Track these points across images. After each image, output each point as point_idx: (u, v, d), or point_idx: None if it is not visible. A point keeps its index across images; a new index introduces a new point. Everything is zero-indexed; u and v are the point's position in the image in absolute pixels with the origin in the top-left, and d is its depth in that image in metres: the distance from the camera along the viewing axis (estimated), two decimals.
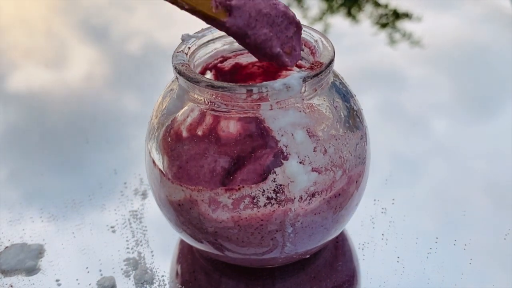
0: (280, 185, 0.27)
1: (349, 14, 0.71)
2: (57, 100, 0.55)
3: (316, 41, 0.31)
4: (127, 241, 0.36)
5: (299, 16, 0.29)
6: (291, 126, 0.27)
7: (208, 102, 0.28)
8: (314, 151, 0.28)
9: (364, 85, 0.53)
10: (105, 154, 0.46)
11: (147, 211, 0.39)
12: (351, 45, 0.62)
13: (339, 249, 0.35)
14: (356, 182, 0.30)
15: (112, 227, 0.37)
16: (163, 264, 0.35)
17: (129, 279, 0.34)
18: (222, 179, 0.28)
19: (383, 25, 0.67)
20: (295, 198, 0.28)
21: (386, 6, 0.72)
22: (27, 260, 0.35)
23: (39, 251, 0.36)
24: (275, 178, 0.27)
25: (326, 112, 0.29)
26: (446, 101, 0.52)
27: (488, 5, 0.71)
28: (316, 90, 0.28)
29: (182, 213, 0.30)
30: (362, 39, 0.65)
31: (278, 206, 0.28)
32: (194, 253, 0.35)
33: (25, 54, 0.64)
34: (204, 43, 0.32)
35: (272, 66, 0.34)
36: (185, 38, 0.31)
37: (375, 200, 0.39)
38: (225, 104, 0.27)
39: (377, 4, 0.73)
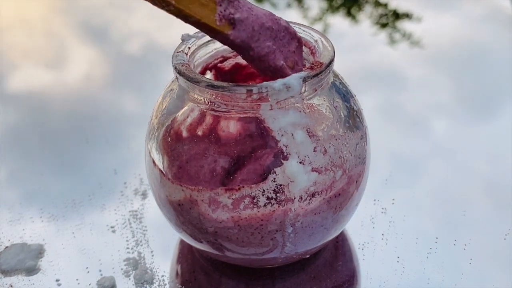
0: (280, 185, 0.27)
1: (349, 14, 0.71)
2: (57, 100, 0.55)
3: (316, 41, 0.31)
4: (127, 241, 0.36)
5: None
6: (291, 126, 0.27)
7: (208, 102, 0.28)
8: (314, 151, 0.28)
9: (364, 85, 0.53)
10: (105, 154, 0.46)
11: (147, 211, 0.39)
12: (351, 45, 0.62)
13: (339, 249, 0.35)
14: (356, 182, 0.30)
15: (112, 227, 0.37)
16: (163, 264, 0.35)
17: (129, 279, 0.34)
18: (222, 179, 0.28)
19: (383, 25, 0.67)
20: (295, 198, 0.28)
21: (386, 6, 0.72)
22: (27, 260, 0.35)
23: (39, 251, 0.36)
24: (275, 178, 0.27)
25: (326, 112, 0.29)
26: (446, 101, 0.52)
27: (488, 5, 0.71)
28: (316, 90, 0.28)
29: (182, 213, 0.30)
30: (362, 39, 0.65)
31: (278, 206, 0.28)
32: (194, 253, 0.35)
33: (25, 54, 0.64)
34: (204, 43, 0.32)
35: None
36: (185, 38, 0.31)
37: (375, 200, 0.39)
38: (225, 104, 0.27)
39: (377, 4, 0.73)
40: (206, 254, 0.34)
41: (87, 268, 0.34)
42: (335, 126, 0.29)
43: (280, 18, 0.29)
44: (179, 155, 0.29)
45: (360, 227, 0.37)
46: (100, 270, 0.34)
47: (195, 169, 0.28)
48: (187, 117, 0.29)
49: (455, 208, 0.38)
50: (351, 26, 0.68)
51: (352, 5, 0.73)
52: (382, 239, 0.36)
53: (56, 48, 0.66)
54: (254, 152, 0.28)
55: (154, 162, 0.30)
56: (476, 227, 0.37)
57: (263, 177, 0.27)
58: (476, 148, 0.45)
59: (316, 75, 0.27)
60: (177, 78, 0.29)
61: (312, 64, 0.28)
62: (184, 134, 0.29)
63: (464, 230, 0.37)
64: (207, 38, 0.32)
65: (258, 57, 0.28)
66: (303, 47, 0.31)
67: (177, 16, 0.25)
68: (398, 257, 0.34)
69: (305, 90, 0.27)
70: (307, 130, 0.28)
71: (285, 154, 0.27)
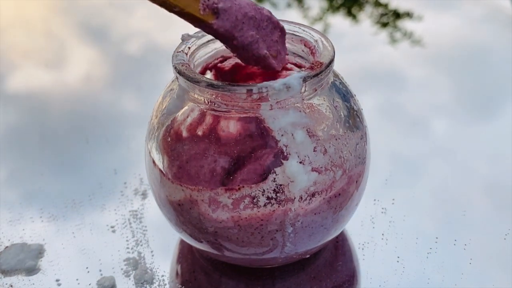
0: (280, 185, 0.27)
1: (350, 13, 0.71)
2: (57, 100, 0.55)
3: (316, 41, 0.31)
4: (127, 241, 0.36)
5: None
6: (291, 126, 0.27)
7: (208, 102, 0.28)
8: (314, 151, 0.28)
9: (364, 85, 0.53)
10: (105, 154, 0.46)
11: (147, 211, 0.39)
12: (351, 45, 0.62)
13: (339, 249, 0.35)
14: (356, 182, 0.30)
15: (112, 227, 0.37)
16: (163, 264, 0.35)
17: (129, 279, 0.34)
18: (222, 179, 0.28)
19: (384, 25, 0.67)
20: (295, 198, 0.28)
21: (386, 6, 0.72)
22: (27, 260, 0.35)
23: (39, 251, 0.36)
24: (275, 178, 0.27)
25: (326, 112, 0.29)
26: (446, 101, 0.52)
27: (488, 5, 0.71)
28: (316, 90, 0.28)
29: (182, 213, 0.29)
30: (362, 39, 0.65)
31: (278, 206, 0.28)
32: (194, 253, 0.35)
33: (24, 54, 0.64)
34: (204, 43, 0.32)
35: None
36: (185, 38, 0.31)
37: (375, 200, 0.39)
38: (225, 104, 0.27)
39: (377, 4, 0.73)
40: (206, 254, 0.34)
41: (87, 268, 0.34)
42: (335, 126, 0.29)
43: (263, 8, 0.29)
44: (179, 155, 0.29)
45: (360, 227, 0.37)
46: (100, 270, 0.34)
47: (195, 169, 0.28)
48: (187, 117, 0.29)
49: (455, 208, 0.38)
50: (352, 26, 0.68)
51: (352, 4, 0.73)
52: (382, 239, 0.36)
53: (56, 48, 0.66)
54: (254, 152, 0.28)
55: (154, 162, 0.30)
56: (476, 227, 0.37)
57: (263, 177, 0.27)
58: (476, 148, 0.45)
59: (316, 75, 0.27)
60: (177, 78, 0.29)
61: (312, 64, 0.28)
62: (184, 134, 0.29)
63: (464, 230, 0.37)
64: (207, 38, 0.32)
65: (242, 46, 0.28)
66: (303, 46, 0.31)
67: (161, 5, 0.26)
68: (398, 257, 0.34)
69: (305, 90, 0.27)
70: (307, 130, 0.28)
71: (285, 154, 0.27)
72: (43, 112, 0.53)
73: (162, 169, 0.30)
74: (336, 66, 0.31)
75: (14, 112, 0.53)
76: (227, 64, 0.34)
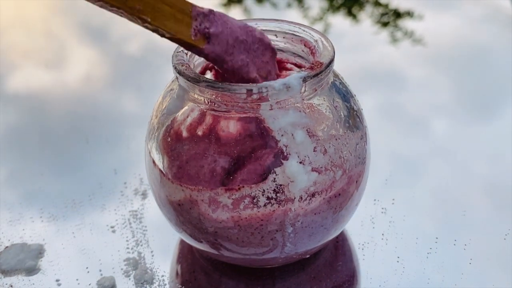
0: (280, 185, 0.27)
1: (350, 13, 0.71)
2: (57, 100, 0.55)
3: (316, 41, 0.31)
4: (127, 241, 0.36)
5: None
6: (291, 126, 0.27)
7: (208, 102, 0.28)
8: (314, 151, 0.28)
9: (364, 85, 0.53)
10: (105, 154, 0.46)
11: (147, 211, 0.39)
12: (351, 45, 0.62)
13: (339, 249, 0.35)
14: (356, 182, 0.30)
15: (112, 227, 0.37)
16: (163, 264, 0.35)
17: (129, 279, 0.34)
18: (222, 179, 0.28)
19: (384, 24, 0.67)
20: (295, 198, 0.28)
21: (386, 5, 0.72)
22: (27, 260, 0.35)
23: (39, 251, 0.36)
24: (275, 178, 0.27)
25: (326, 112, 0.29)
26: (446, 101, 0.52)
27: (488, 5, 0.71)
28: (316, 90, 0.28)
29: (182, 213, 0.29)
30: (362, 39, 0.65)
31: (278, 206, 0.28)
32: (194, 253, 0.35)
33: (24, 54, 0.64)
34: None
35: None
36: None
37: (375, 200, 0.39)
38: (225, 104, 0.27)
39: (377, 4, 0.73)
40: (206, 254, 0.34)
41: (87, 268, 0.34)
42: (335, 126, 0.29)
43: (255, 29, 0.29)
44: (179, 155, 0.29)
45: (360, 227, 0.37)
46: (100, 270, 0.34)
47: (195, 169, 0.28)
48: (187, 117, 0.29)
49: (455, 208, 0.38)
50: (352, 25, 0.68)
51: (352, 4, 0.73)
52: (382, 239, 0.36)
53: (56, 48, 0.66)
54: (254, 152, 0.28)
55: (154, 162, 0.30)
56: (476, 227, 0.37)
57: (263, 177, 0.27)
58: (476, 148, 0.45)
59: (316, 75, 0.27)
60: (177, 78, 0.29)
61: (312, 64, 0.28)
62: (184, 134, 0.29)
63: (464, 230, 0.37)
64: None
65: (232, 69, 0.28)
66: (303, 46, 0.31)
67: (153, 31, 0.26)
68: (398, 257, 0.34)
69: (305, 90, 0.27)
70: (307, 130, 0.28)
71: (285, 154, 0.27)
72: (43, 112, 0.53)
73: (162, 169, 0.30)
74: (336, 66, 0.31)
75: (14, 112, 0.53)
76: None
